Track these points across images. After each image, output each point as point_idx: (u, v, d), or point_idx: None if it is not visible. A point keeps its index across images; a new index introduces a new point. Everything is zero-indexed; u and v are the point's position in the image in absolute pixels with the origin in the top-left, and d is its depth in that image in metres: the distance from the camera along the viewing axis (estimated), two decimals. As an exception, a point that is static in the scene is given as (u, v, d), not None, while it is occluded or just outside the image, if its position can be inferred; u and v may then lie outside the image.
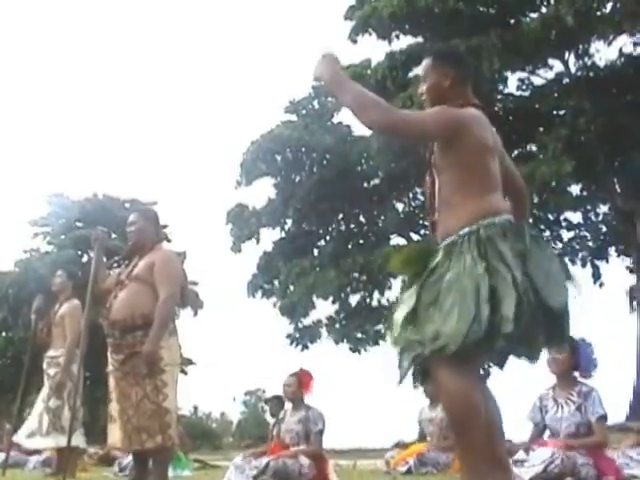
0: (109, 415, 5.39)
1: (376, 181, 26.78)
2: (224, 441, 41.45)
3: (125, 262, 5.74)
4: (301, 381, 7.09)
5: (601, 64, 22.22)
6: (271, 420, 7.93)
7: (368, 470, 8.35)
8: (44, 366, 7.38)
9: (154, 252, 5.55)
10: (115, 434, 5.32)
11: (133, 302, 5.34)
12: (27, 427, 7.29)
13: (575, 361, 5.66)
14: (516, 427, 6.65)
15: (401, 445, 8.46)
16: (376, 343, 26.20)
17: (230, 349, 67.51)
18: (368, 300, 27.35)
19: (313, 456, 6.79)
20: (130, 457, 7.21)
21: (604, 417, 5.58)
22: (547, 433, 5.90)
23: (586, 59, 22.13)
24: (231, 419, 47.77)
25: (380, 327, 26.63)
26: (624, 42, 21.72)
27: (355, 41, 22.57)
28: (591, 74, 21.94)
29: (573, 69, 22.25)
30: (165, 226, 26.87)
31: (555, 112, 21.97)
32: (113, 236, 22.88)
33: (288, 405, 7.21)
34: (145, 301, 5.33)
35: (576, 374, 5.74)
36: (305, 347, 25.74)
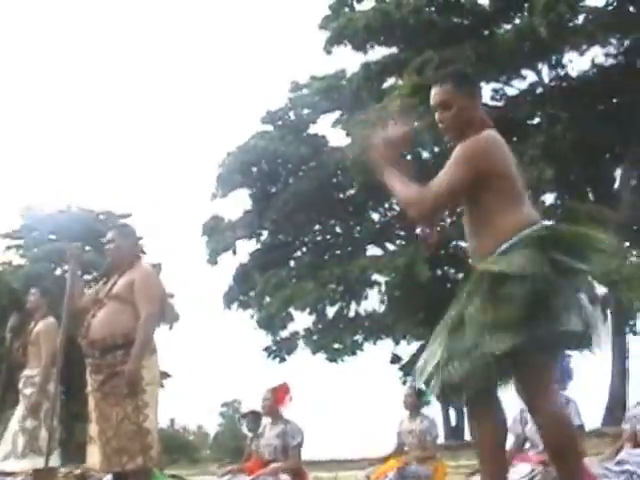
0: (88, 436, 5.32)
1: (352, 191, 26.81)
2: (202, 454, 41.15)
3: (103, 280, 5.68)
4: (277, 395, 7.08)
5: (574, 74, 22.44)
6: (248, 433, 7.87)
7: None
8: (20, 386, 7.24)
9: (133, 270, 5.49)
10: (94, 456, 5.25)
11: (113, 321, 5.28)
12: (1, 449, 7.13)
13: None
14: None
15: (379, 460, 8.41)
16: (353, 353, 26.22)
17: (207, 361, 66.99)
18: (345, 311, 27.36)
19: (292, 471, 6.75)
20: (107, 477, 7.11)
21: (581, 427, 5.61)
22: (527, 444, 5.91)
23: (559, 69, 22.33)
24: (208, 432, 47.44)
25: (358, 337, 26.66)
26: (596, 53, 21.96)
27: (330, 52, 22.69)
28: (564, 84, 22.13)
29: (546, 79, 22.44)
30: (140, 238, 26.71)
31: (529, 122, 22.14)
32: (88, 248, 22.71)
33: (266, 420, 7.18)
34: (125, 320, 5.28)
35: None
36: (283, 359, 25.73)
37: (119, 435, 5.13)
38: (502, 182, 3.35)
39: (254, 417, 9.87)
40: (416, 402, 8.36)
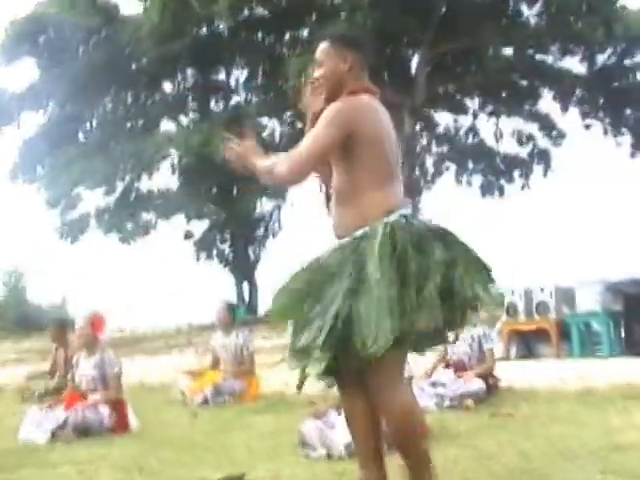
0: None
1: (145, 62, 25.69)
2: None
3: None
4: (94, 325, 6.80)
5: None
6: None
7: (163, 401, 8.25)
8: None
9: None
10: None
11: None
12: None
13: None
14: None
15: (196, 373, 8.40)
16: (146, 233, 25.91)
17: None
18: (137, 186, 26.79)
19: (112, 402, 6.59)
20: None
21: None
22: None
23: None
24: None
25: (150, 217, 26.29)
26: None
27: None
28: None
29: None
30: None
31: (332, 3, 21.94)
32: None
33: (82, 351, 6.88)
34: None
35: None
36: (75, 239, 24.96)
37: None
38: (372, 151, 3.25)
39: (59, 328, 9.54)
40: (229, 318, 8.35)
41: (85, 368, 6.71)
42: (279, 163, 3.30)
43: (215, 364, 8.40)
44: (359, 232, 3.18)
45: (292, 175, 3.28)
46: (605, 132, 25.01)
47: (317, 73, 3.45)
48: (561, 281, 10.34)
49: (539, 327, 9.87)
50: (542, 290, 9.82)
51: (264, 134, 28.87)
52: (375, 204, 3.22)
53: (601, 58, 23.42)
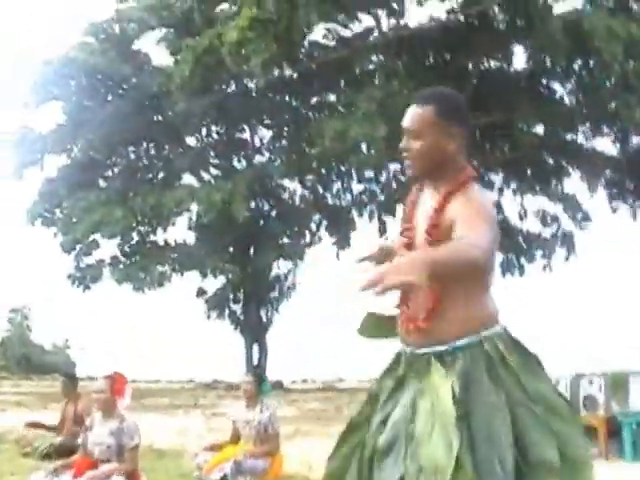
0: None
1: (170, 114, 25.54)
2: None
3: None
4: (115, 385, 6.20)
5: (412, 25, 22.08)
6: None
7: (176, 473, 7.61)
8: None
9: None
10: None
11: None
12: None
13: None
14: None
15: (215, 447, 7.73)
16: (160, 285, 25.40)
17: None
18: (153, 238, 26.42)
19: (126, 473, 5.98)
20: None
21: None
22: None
23: (398, 18, 21.92)
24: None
25: (165, 268, 25.85)
26: (436, 7, 21.61)
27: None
28: (401, 33, 21.78)
29: (385, 27, 22.00)
30: None
31: (365, 69, 21.79)
32: None
33: (97, 413, 6.28)
34: None
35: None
36: (87, 287, 24.49)
37: None
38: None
39: (70, 382, 8.98)
40: (254, 391, 7.62)
41: (100, 435, 6.10)
42: (465, 249, 2.43)
43: (235, 438, 7.71)
44: (460, 342, 2.62)
45: (482, 259, 2.45)
46: (634, 216, 24.51)
47: (411, 144, 2.74)
48: (610, 370, 9.60)
49: (586, 424, 9.11)
50: (591, 382, 9.11)
51: (284, 196, 28.64)
52: (479, 312, 2.67)
53: (636, 139, 23.06)
